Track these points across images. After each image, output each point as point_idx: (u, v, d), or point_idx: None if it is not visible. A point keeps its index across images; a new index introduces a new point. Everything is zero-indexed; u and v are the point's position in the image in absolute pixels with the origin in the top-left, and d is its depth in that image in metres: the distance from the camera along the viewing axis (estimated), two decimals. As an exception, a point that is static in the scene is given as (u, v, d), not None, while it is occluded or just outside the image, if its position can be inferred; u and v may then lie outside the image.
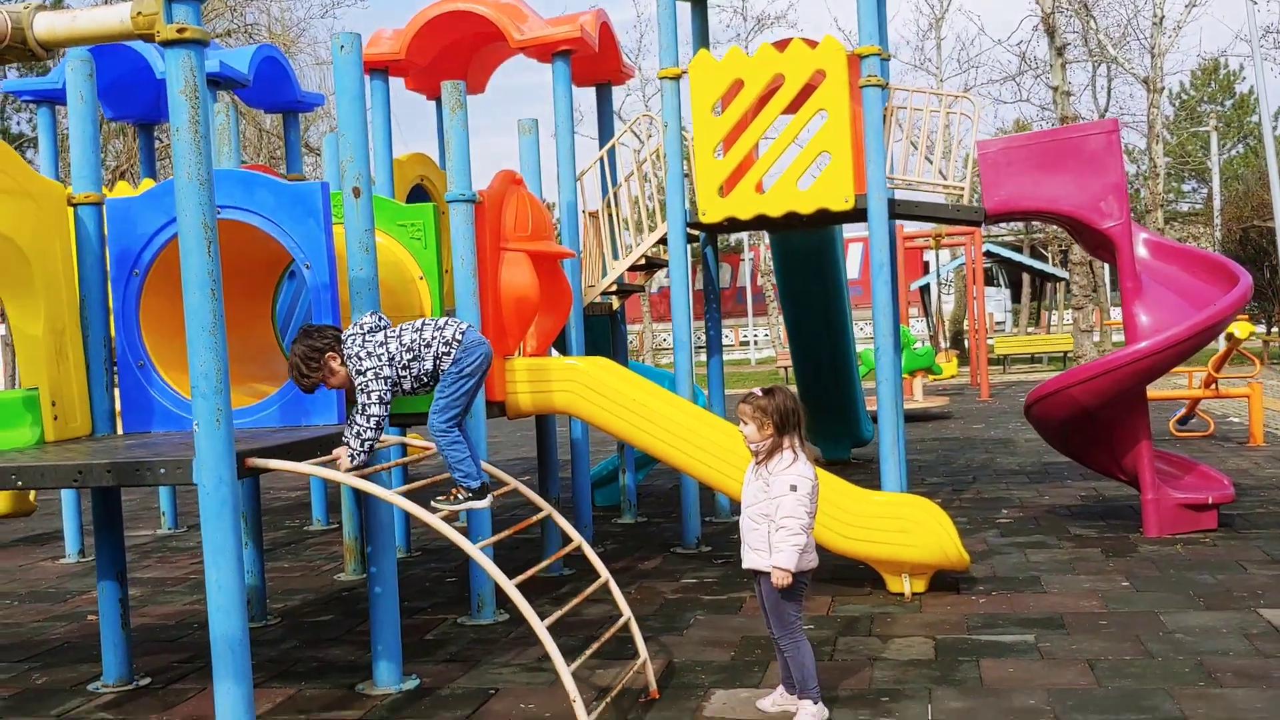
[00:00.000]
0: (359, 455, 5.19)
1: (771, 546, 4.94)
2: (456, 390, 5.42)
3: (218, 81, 9.95)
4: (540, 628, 4.74)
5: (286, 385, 6.09)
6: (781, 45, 9.06)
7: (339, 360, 5.34)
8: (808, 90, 8.97)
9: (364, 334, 5.38)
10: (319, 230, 5.92)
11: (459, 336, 5.42)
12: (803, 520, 4.91)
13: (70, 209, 6.11)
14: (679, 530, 9.80)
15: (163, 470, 4.67)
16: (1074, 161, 8.94)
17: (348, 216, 5.90)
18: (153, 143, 11.96)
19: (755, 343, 48.98)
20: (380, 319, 5.51)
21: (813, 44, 8.97)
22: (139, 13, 4.48)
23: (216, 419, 4.49)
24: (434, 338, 5.40)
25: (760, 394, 5.12)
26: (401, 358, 5.35)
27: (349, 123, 5.89)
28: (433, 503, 5.35)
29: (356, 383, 5.29)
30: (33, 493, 10.81)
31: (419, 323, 5.49)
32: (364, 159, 5.91)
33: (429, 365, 5.40)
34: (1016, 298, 50.79)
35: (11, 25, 4.59)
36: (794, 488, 4.95)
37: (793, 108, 9.10)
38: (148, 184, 9.44)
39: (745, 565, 5.12)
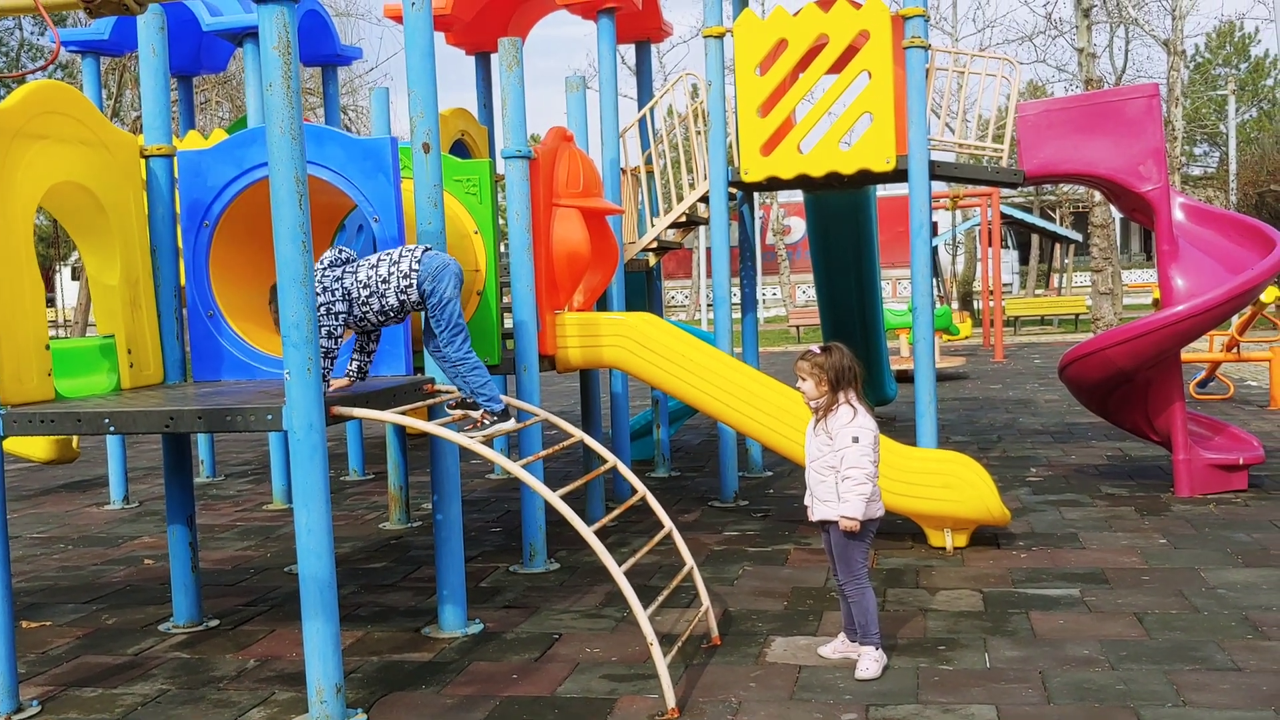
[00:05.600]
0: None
1: (839, 497, 5.10)
2: (448, 314, 5.67)
3: (257, 33, 10.00)
4: (619, 575, 4.89)
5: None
6: (826, 5, 9.12)
7: None
8: (851, 51, 9.04)
9: (322, 269, 5.58)
10: (388, 185, 6.04)
11: (415, 266, 5.62)
12: (867, 470, 5.08)
13: (142, 160, 6.21)
14: (714, 484, 9.98)
15: (253, 417, 4.81)
16: (1114, 125, 9.02)
17: (417, 172, 6.01)
18: (191, 94, 12.01)
19: (764, 301, 49.01)
20: (340, 253, 5.68)
21: (857, 5, 9.03)
22: (233, -31, 4.58)
23: (307, 367, 4.62)
24: (390, 273, 5.61)
25: (817, 351, 5.28)
26: (359, 294, 5.59)
27: (419, 79, 5.98)
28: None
29: None
30: (75, 439, 10.95)
31: (375, 258, 5.69)
32: (434, 115, 6.01)
33: (393, 301, 5.62)
34: (1024, 259, 50.75)
35: (107, -20, 4.67)
36: (856, 439, 5.11)
37: (835, 68, 9.17)
38: (219, 135, 9.52)
39: (814, 517, 5.28)
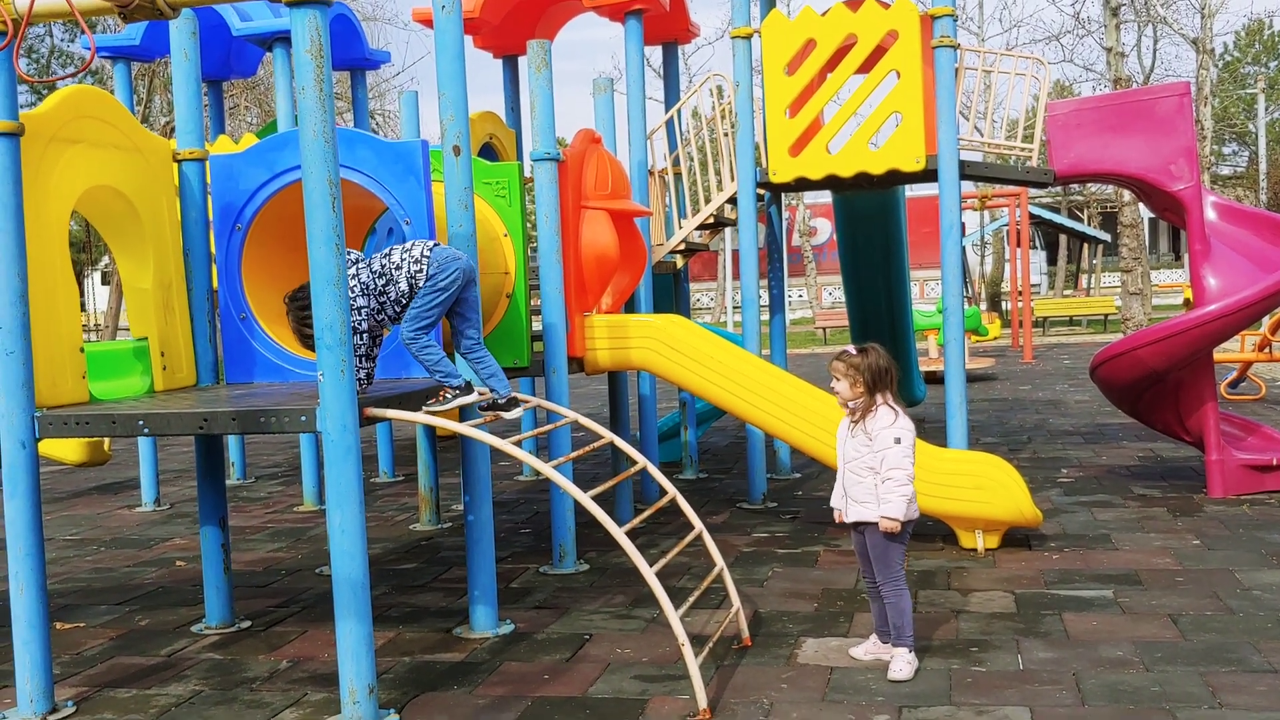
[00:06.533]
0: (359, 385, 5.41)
1: (879, 498, 5.09)
2: (429, 303, 5.62)
3: (287, 38, 10.07)
4: (651, 576, 4.89)
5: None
6: (854, 5, 9.12)
7: None
8: (879, 51, 9.02)
9: None
10: (419, 188, 6.06)
11: (427, 253, 5.63)
12: (908, 471, 5.07)
13: (175, 164, 6.26)
14: (742, 486, 9.97)
15: (287, 418, 4.83)
16: (1145, 124, 8.96)
17: (447, 174, 6.03)
18: (222, 99, 12.09)
19: (790, 304, 48.91)
20: (349, 253, 5.68)
21: (886, 4, 9.01)
22: (266, -27, 4.60)
23: (341, 369, 4.64)
24: (403, 259, 5.62)
25: (854, 352, 5.26)
26: (375, 284, 5.59)
27: (450, 81, 6.00)
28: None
29: None
30: (107, 442, 11.03)
31: (388, 249, 5.72)
32: (465, 117, 6.03)
33: (404, 286, 5.62)
34: (1052, 259, 50.48)
35: (141, -15, 4.70)
36: (898, 440, 5.10)
37: (864, 68, 9.15)
38: (249, 139, 9.58)
39: (850, 519, 5.27)
